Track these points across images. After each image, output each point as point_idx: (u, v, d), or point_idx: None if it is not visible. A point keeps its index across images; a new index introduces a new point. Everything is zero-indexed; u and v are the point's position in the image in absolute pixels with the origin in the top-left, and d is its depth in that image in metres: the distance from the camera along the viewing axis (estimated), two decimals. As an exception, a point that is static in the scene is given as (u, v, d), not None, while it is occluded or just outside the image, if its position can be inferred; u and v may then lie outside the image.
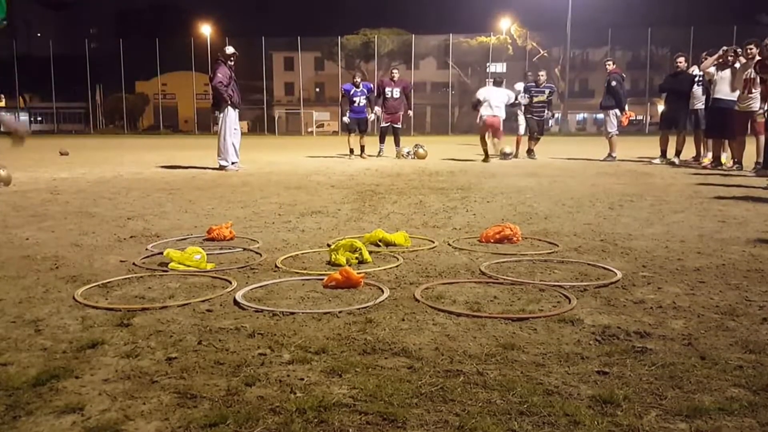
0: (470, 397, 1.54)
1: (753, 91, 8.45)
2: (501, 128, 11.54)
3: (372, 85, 12.61)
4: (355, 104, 12.04)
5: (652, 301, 2.38)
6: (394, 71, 13.22)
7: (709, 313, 2.22)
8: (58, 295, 2.50)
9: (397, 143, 12.77)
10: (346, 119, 12.23)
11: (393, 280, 2.72)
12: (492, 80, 12.76)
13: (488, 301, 2.40)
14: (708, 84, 9.55)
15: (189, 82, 47.27)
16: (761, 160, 8.46)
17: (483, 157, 11.08)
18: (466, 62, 47.54)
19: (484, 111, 11.02)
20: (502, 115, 11.19)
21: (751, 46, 8.44)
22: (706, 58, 9.86)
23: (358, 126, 12.19)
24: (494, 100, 10.97)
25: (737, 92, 8.74)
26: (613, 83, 11.20)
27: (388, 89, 12.48)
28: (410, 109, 13.06)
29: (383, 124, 12.78)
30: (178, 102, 51.34)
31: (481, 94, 11.27)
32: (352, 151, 12.39)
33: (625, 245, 3.48)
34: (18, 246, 3.52)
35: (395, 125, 12.68)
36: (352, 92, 12.03)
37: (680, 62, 10.29)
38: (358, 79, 12.26)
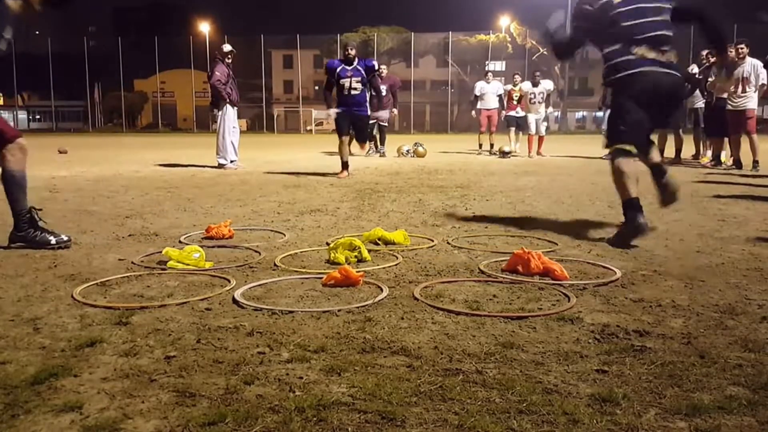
0: (469, 395, 1.54)
1: (747, 90, 8.49)
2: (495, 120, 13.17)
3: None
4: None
5: (651, 299, 2.38)
6: (383, 67, 12.92)
7: (709, 312, 2.22)
8: (56, 293, 2.49)
9: (382, 142, 12.45)
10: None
11: (392, 279, 2.72)
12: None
13: (487, 300, 2.39)
14: (704, 83, 9.56)
15: (188, 80, 47.19)
16: (758, 158, 8.49)
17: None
18: (466, 60, 47.49)
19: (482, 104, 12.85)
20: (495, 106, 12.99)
21: (741, 46, 8.58)
22: (706, 57, 9.86)
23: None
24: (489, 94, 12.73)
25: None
26: None
27: None
28: (395, 108, 12.62)
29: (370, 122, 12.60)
30: (177, 100, 51.29)
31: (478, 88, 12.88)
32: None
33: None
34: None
35: (381, 123, 12.34)
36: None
37: None
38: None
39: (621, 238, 3.44)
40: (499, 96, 13.08)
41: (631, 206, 3.48)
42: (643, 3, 3.56)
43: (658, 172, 3.79)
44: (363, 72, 7.43)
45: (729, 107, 8.68)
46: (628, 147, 3.58)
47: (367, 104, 7.78)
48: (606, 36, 3.61)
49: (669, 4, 3.61)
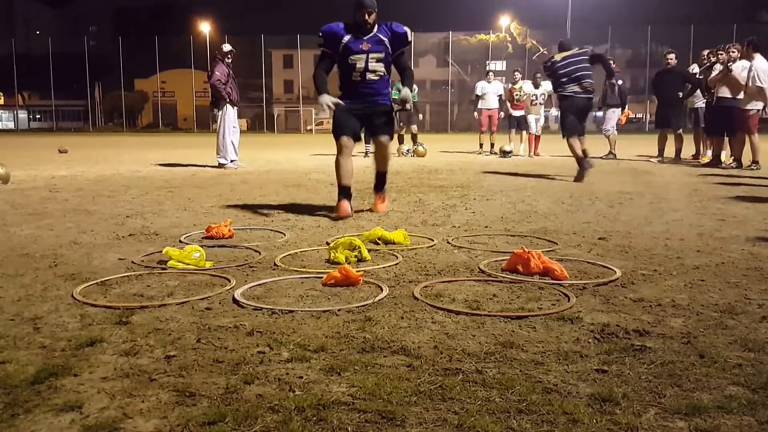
0: (469, 395, 1.54)
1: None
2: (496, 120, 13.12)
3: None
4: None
5: (651, 299, 2.38)
6: None
7: (708, 312, 2.22)
8: (56, 293, 2.49)
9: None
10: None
11: (392, 279, 2.72)
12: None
13: (487, 300, 2.39)
14: (704, 83, 9.56)
15: (188, 80, 47.19)
16: (758, 158, 8.49)
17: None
18: (466, 60, 47.49)
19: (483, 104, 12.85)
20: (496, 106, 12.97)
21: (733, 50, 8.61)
22: (707, 58, 9.86)
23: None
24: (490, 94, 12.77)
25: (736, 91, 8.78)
26: (620, 82, 11.21)
27: None
28: None
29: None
30: (177, 100, 51.29)
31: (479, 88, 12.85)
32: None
33: (625, 243, 3.48)
34: (17, 244, 3.52)
35: None
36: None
37: (671, 59, 10.26)
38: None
39: (578, 178, 7.07)
40: (500, 96, 12.99)
41: (580, 161, 7.17)
42: (571, 59, 7.12)
43: (584, 156, 7.23)
44: (388, 44, 4.46)
45: (738, 106, 8.67)
46: (571, 135, 7.28)
47: (389, 95, 4.77)
48: (554, 78, 7.34)
49: (587, 53, 7.36)
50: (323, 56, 4.57)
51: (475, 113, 13.39)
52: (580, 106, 7.16)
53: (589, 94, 7.15)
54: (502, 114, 13.08)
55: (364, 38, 4.43)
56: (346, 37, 4.42)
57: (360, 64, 4.45)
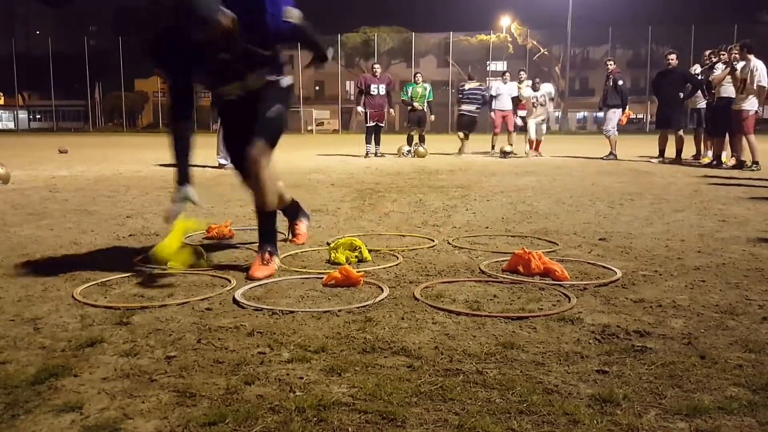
0: (470, 396, 1.54)
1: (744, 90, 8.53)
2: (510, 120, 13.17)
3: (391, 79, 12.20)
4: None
5: (651, 300, 2.38)
6: (376, 66, 12.48)
7: (709, 312, 2.22)
8: (57, 293, 2.49)
9: (377, 142, 12.26)
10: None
11: (392, 279, 2.72)
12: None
13: (488, 300, 2.39)
14: (707, 83, 9.56)
15: (188, 80, 47.09)
16: (758, 158, 8.50)
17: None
18: (466, 60, 47.46)
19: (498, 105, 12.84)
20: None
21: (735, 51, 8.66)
22: (709, 58, 9.87)
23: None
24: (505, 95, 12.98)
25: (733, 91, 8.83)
26: (620, 82, 11.22)
27: (373, 86, 11.80)
28: (392, 108, 12.30)
29: (369, 124, 12.06)
30: (178, 100, 51.19)
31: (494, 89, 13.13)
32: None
33: (625, 244, 3.48)
34: (17, 244, 3.52)
35: (380, 124, 12.12)
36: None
37: (671, 59, 10.27)
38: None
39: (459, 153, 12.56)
40: (514, 98, 12.84)
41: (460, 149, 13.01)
42: (475, 90, 12.73)
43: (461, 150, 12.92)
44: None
45: (734, 107, 8.69)
46: (461, 133, 13.08)
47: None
48: (459, 99, 13.00)
49: (482, 89, 13.06)
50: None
51: (491, 113, 13.16)
52: (469, 120, 12.68)
53: (476, 114, 12.65)
54: (518, 119, 12.91)
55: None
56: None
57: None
